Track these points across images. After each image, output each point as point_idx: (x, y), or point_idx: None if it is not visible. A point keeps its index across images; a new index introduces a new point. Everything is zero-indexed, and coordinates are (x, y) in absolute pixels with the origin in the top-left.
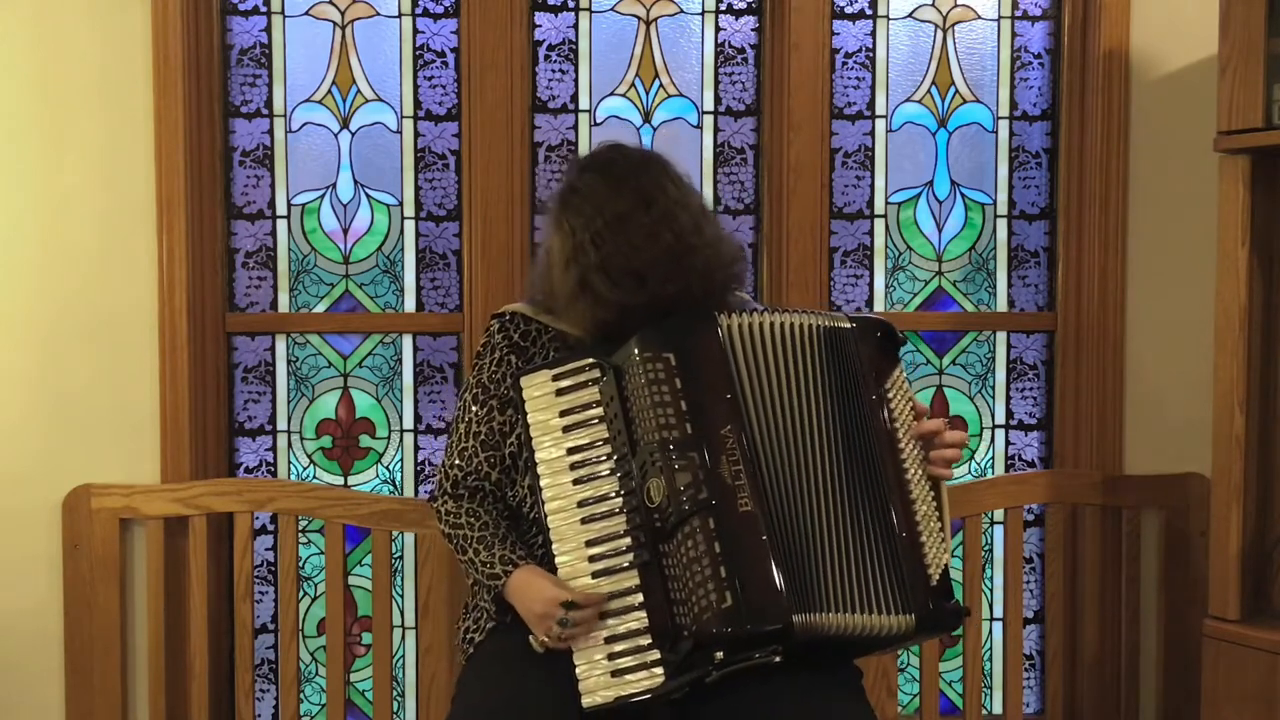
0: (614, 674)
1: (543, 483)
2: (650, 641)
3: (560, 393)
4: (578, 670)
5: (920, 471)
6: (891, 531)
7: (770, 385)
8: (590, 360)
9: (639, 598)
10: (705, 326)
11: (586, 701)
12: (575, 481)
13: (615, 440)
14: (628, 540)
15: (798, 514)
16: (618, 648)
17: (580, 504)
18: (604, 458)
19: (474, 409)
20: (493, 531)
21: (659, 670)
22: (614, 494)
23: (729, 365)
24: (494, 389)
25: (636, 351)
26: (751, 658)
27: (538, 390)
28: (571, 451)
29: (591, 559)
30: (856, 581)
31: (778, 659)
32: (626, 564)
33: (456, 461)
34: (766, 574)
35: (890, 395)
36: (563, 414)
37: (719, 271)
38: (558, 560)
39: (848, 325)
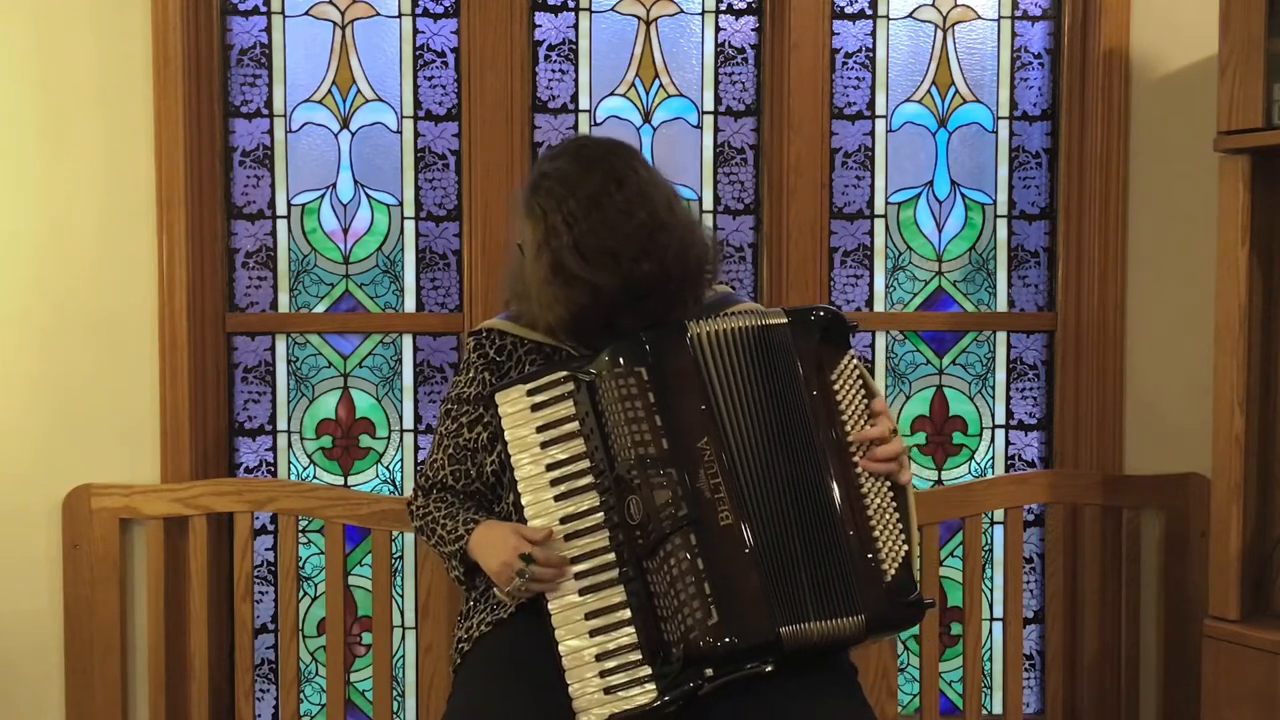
0: (607, 691)
1: (524, 499)
2: (641, 657)
3: (535, 408)
4: (571, 689)
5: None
6: (837, 531)
7: (736, 392)
8: (564, 374)
9: (626, 613)
10: (676, 337)
11: None
12: (556, 497)
13: (593, 455)
14: (612, 556)
15: (772, 521)
16: (609, 664)
17: (563, 520)
18: (583, 472)
19: (446, 423)
20: (460, 506)
21: (651, 686)
22: (595, 509)
23: (701, 375)
24: (465, 406)
25: (608, 364)
26: (743, 668)
27: (513, 406)
28: (551, 467)
29: (577, 575)
30: (820, 584)
31: (769, 668)
32: (612, 580)
33: (426, 471)
34: (751, 587)
35: (836, 387)
36: (540, 429)
37: (694, 251)
38: None
39: (782, 321)
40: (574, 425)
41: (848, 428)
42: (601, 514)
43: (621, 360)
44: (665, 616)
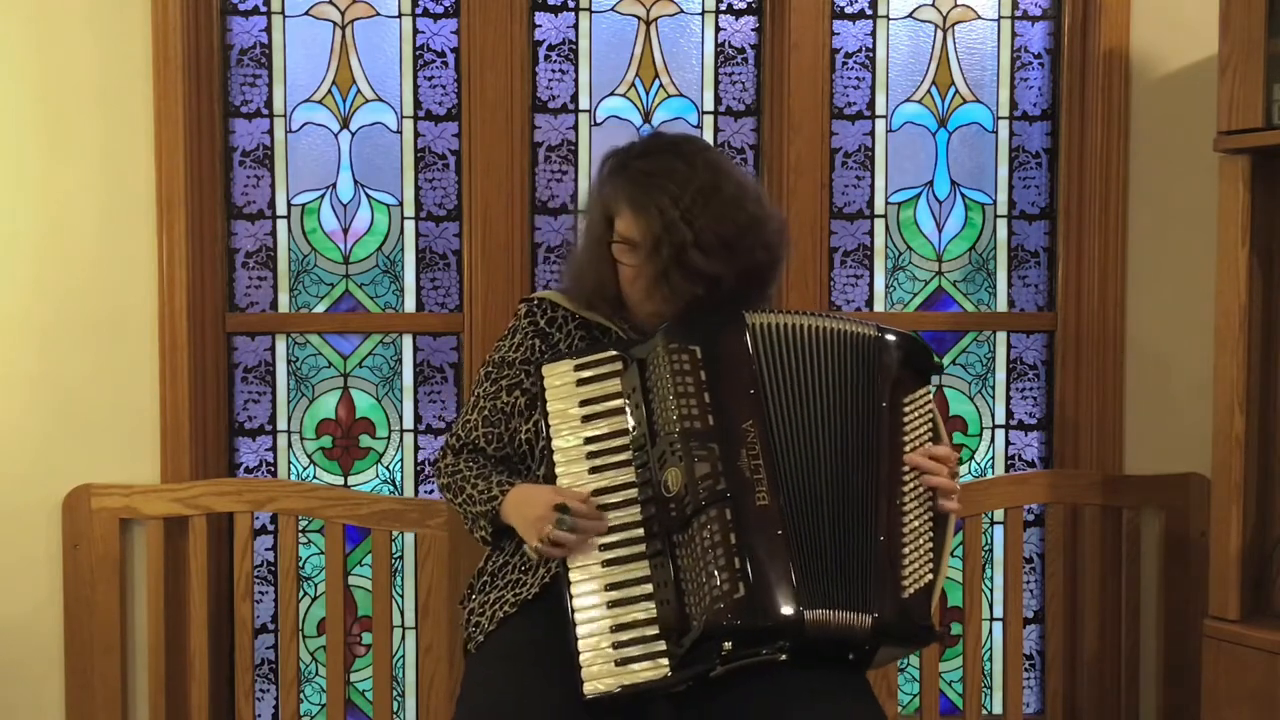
0: (618, 663)
1: (558, 470)
2: (657, 632)
3: (582, 383)
4: (581, 657)
5: (921, 491)
6: (869, 533)
7: (792, 384)
8: (614, 352)
9: (648, 588)
10: (734, 323)
11: (588, 689)
12: (591, 470)
13: (635, 431)
14: (640, 530)
15: (808, 510)
16: (624, 636)
17: (595, 493)
18: (621, 448)
19: (485, 385)
20: (493, 468)
21: (664, 662)
22: (629, 484)
23: (754, 362)
24: (507, 369)
25: (663, 342)
26: (758, 654)
27: (559, 380)
28: (589, 441)
29: (603, 547)
30: (841, 577)
31: (783, 657)
32: (638, 553)
33: (459, 431)
34: (781, 568)
35: (907, 411)
36: (583, 404)
37: (785, 246)
38: None
39: (875, 334)
40: (619, 402)
41: (907, 449)
42: (635, 489)
43: (677, 339)
44: (690, 590)
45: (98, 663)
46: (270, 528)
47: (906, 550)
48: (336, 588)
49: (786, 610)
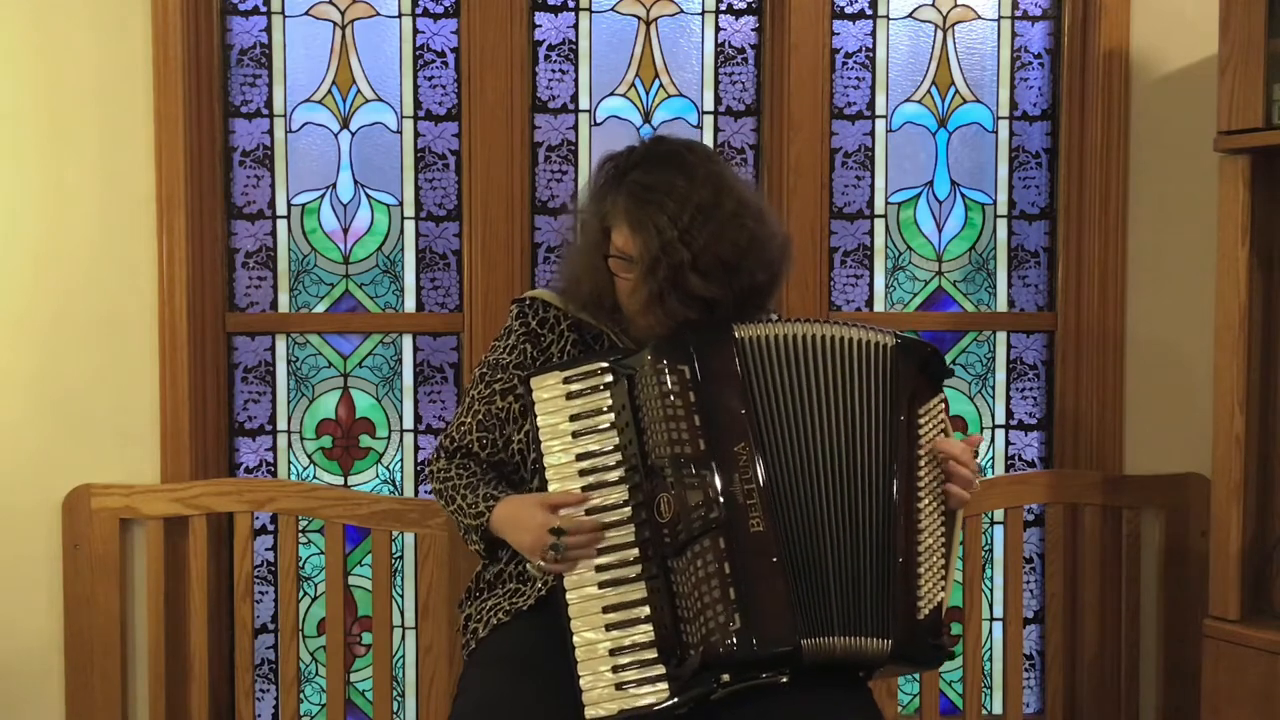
0: (618, 686)
1: (551, 487)
2: (656, 656)
3: (571, 396)
4: (582, 681)
5: (935, 505)
6: (887, 554)
7: (789, 401)
8: (603, 364)
9: (645, 610)
10: (722, 338)
11: (590, 713)
12: (584, 489)
13: (626, 449)
14: (636, 552)
15: (809, 531)
16: (623, 660)
17: (588, 512)
18: (614, 465)
19: (480, 386)
20: (480, 477)
21: (664, 686)
22: (623, 503)
23: (745, 379)
24: (501, 373)
25: (651, 360)
26: (758, 678)
27: (548, 393)
28: (581, 458)
29: (599, 568)
30: (851, 601)
31: (784, 680)
32: (634, 576)
33: (453, 434)
34: (776, 596)
35: (922, 421)
36: (573, 418)
37: (786, 264)
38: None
39: (891, 342)
40: (609, 417)
41: (922, 463)
42: (629, 509)
43: (665, 357)
44: (687, 618)
45: (98, 663)
46: (270, 528)
47: (922, 570)
48: (336, 588)
49: (782, 640)
